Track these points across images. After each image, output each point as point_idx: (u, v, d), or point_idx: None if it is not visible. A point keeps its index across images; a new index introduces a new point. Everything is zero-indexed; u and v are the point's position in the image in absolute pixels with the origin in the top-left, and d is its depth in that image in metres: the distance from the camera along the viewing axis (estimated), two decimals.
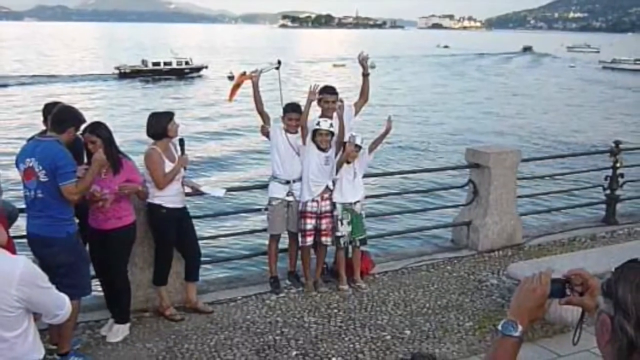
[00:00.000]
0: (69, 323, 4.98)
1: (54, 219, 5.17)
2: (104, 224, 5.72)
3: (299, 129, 7.01)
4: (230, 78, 49.32)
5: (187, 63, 70.08)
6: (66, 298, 3.22)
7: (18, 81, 60.11)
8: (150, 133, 6.26)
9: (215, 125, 35.76)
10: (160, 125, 6.22)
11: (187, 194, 6.55)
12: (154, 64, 67.68)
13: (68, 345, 5.43)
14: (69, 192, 5.10)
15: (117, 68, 66.64)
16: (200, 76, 68.45)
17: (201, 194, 6.94)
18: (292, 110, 7.05)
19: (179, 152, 6.36)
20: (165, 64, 68.06)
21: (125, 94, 52.49)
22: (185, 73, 68.04)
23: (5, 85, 56.63)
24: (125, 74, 65.09)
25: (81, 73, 67.85)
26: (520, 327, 1.98)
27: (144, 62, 68.60)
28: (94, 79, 63.29)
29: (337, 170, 7.09)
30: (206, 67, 70.37)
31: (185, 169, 6.44)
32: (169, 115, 6.34)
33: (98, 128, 5.61)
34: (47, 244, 5.19)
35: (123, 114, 37.58)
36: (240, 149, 28.59)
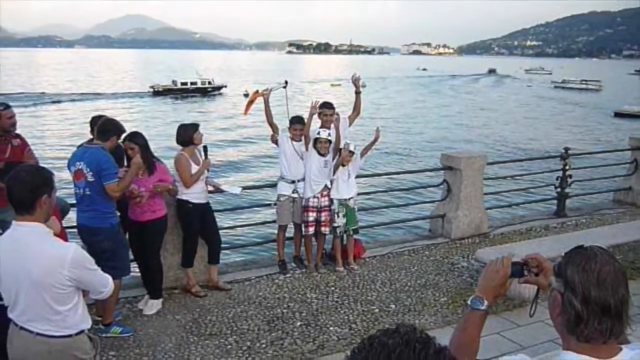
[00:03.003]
0: (112, 298, 5.00)
1: (99, 212, 5.17)
2: (141, 216, 5.73)
3: (303, 138, 7.01)
4: (246, 95, 49.10)
5: (209, 83, 69.61)
6: (110, 278, 3.21)
7: (69, 98, 59.99)
8: (179, 141, 6.27)
9: (233, 135, 35.66)
10: (187, 135, 6.22)
11: (209, 192, 6.55)
12: (182, 83, 67.30)
13: (111, 317, 5.44)
14: (112, 190, 5.10)
15: (152, 87, 66.35)
16: (220, 94, 68.03)
17: (221, 191, 6.93)
18: (296, 122, 7.06)
19: (203, 157, 6.36)
20: (191, 83, 67.61)
21: (158, 109, 52.30)
22: (208, 91, 67.67)
23: (59, 101, 56.61)
24: (159, 92, 64.77)
25: (122, 91, 67.64)
26: (486, 302, 1.99)
27: (174, 82, 68.24)
28: (132, 96, 63.03)
29: (334, 172, 7.08)
30: (225, 86, 69.92)
31: (208, 170, 6.43)
32: (194, 126, 6.34)
33: (136, 137, 5.62)
34: (93, 233, 5.19)
35: (156, 125, 37.41)
36: (253, 154, 28.53)
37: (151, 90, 65.62)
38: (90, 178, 5.05)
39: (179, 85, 66.67)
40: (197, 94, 65.47)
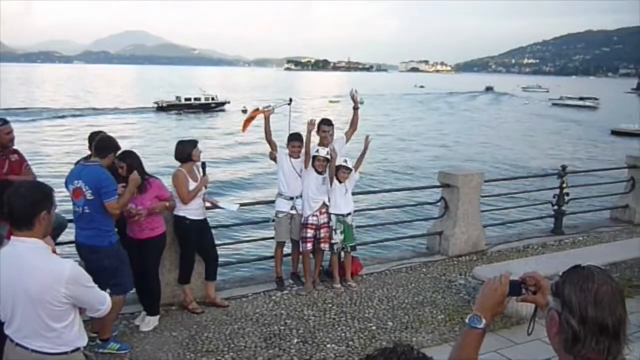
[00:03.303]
0: (112, 314, 4.97)
1: (99, 230, 5.14)
2: (140, 234, 5.72)
3: (301, 155, 7.02)
4: (244, 112, 49.16)
5: (213, 99, 69.76)
6: (107, 296, 3.19)
7: (70, 113, 60.13)
8: (177, 157, 6.27)
9: (232, 151, 35.61)
10: (185, 151, 6.23)
11: (207, 208, 6.54)
12: (186, 99, 67.47)
13: (109, 333, 5.41)
14: (112, 207, 5.09)
15: (156, 102, 66.50)
16: (223, 110, 68.06)
17: (219, 208, 6.92)
18: (294, 139, 7.07)
19: (201, 174, 6.36)
20: (195, 99, 67.88)
21: (162, 124, 52.27)
22: (211, 107, 67.59)
23: (62, 117, 56.64)
24: (162, 108, 64.90)
25: (123, 107, 67.78)
26: (484, 320, 1.98)
27: (177, 97, 68.43)
28: (134, 112, 63.11)
29: (331, 183, 7.06)
30: (228, 102, 69.92)
31: (205, 187, 6.43)
32: (193, 143, 6.34)
33: (125, 156, 5.58)
34: (93, 251, 5.16)
35: (157, 141, 37.41)
36: (252, 171, 28.54)
37: (155, 105, 65.81)
38: (89, 196, 5.04)
39: (182, 101, 66.86)
40: (199, 110, 65.61)
